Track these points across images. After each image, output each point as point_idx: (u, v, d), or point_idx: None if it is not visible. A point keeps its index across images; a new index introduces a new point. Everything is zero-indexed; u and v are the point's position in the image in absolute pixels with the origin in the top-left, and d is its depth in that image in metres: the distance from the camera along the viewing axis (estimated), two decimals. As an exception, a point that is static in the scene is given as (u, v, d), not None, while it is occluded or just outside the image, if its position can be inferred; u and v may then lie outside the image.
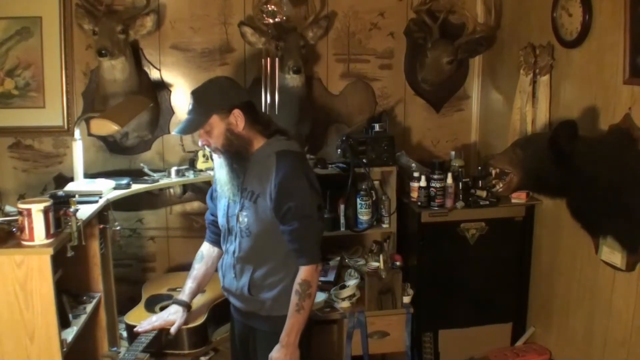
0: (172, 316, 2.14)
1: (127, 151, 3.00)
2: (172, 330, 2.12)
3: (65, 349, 1.78)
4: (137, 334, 2.13)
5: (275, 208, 1.84)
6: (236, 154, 1.88)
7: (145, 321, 2.17)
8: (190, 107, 1.87)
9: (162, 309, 2.51)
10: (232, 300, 2.05)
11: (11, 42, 2.79)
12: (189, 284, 2.17)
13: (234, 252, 1.96)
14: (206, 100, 1.85)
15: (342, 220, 2.83)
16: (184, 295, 2.16)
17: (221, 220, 2.03)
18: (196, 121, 1.85)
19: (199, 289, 2.20)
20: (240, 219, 1.92)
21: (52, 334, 1.73)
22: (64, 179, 2.83)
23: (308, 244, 1.86)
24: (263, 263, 1.92)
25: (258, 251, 1.91)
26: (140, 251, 3.09)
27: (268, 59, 2.89)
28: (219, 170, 1.95)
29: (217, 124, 1.84)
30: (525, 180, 1.99)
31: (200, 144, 1.92)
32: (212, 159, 2.81)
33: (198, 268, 2.17)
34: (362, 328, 2.67)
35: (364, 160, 2.76)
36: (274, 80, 2.85)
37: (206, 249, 2.18)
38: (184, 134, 1.91)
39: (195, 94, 1.88)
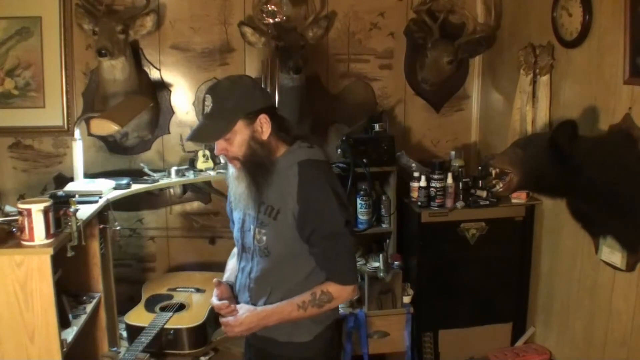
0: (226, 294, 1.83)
1: (127, 151, 3.00)
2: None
3: (65, 349, 1.79)
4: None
5: (299, 227, 1.63)
6: (259, 165, 1.64)
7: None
8: (209, 109, 1.60)
9: (162, 309, 2.52)
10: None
11: (11, 42, 2.79)
12: (231, 272, 1.90)
13: (249, 273, 1.76)
14: (230, 103, 1.60)
15: (342, 220, 2.83)
16: (228, 279, 1.90)
17: (236, 234, 1.83)
18: (219, 127, 1.60)
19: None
20: (258, 237, 1.70)
21: (52, 334, 1.73)
22: (64, 179, 2.83)
23: (340, 264, 1.67)
24: (282, 285, 1.70)
25: (277, 272, 1.70)
26: (140, 251, 3.09)
27: (268, 59, 2.89)
28: (233, 181, 1.72)
29: (241, 130, 1.60)
30: (525, 180, 1.98)
31: (216, 152, 1.67)
32: (212, 160, 2.84)
33: (232, 263, 1.94)
34: (362, 328, 2.67)
35: (364, 160, 2.76)
36: (274, 80, 2.86)
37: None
38: (204, 142, 1.65)
39: (216, 93, 1.61)
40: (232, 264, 1.94)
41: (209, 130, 1.63)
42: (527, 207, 2.73)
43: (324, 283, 1.68)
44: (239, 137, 1.61)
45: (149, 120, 2.92)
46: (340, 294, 1.68)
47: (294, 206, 1.62)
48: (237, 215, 1.81)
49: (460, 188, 2.74)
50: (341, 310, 2.67)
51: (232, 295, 1.83)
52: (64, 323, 1.88)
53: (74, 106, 2.90)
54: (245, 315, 1.70)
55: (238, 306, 1.73)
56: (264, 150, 1.64)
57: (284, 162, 1.66)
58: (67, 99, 2.87)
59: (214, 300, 1.78)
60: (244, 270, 1.79)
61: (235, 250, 1.93)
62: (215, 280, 1.85)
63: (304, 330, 1.73)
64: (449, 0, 3.09)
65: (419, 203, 2.73)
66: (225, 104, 1.60)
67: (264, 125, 1.63)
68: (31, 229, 1.68)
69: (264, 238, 1.68)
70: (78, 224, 1.81)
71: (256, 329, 1.71)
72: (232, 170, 1.71)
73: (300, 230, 1.64)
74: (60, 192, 2.20)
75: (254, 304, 1.74)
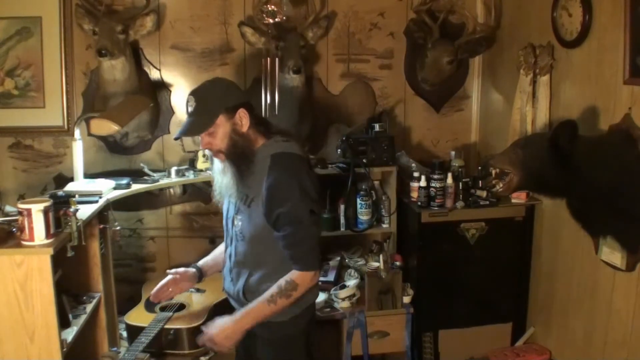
0: (180, 274, 2.09)
1: (127, 151, 3.00)
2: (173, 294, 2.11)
3: (65, 349, 1.78)
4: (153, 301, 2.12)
5: (266, 214, 1.78)
6: (241, 155, 1.80)
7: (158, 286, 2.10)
8: (192, 108, 1.78)
9: (162, 309, 2.52)
10: (233, 304, 2.01)
11: (11, 42, 2.79)
12: (208, 258, 2.16)
13: (230, 256, 1.94)
14: (211, 100, 1.78)
15: (342, 220, 2.84)
16: (200, 262, 2.15)
17: (223, 222, 2.00)
18: (202, 122, 1.77)
19: (214, 265, 2.15)
20: (235, 223, 1.88)
21: (52, 334, 1.73)
22: (64, 179, 2.83)
23: (301, 251, 1.78)
24: (258, 268, 1.86)
25: (253, 256, 1.87)
26: (140, 251, 3.09)
27: (268, 59, 2.89)
28: (218, 175, 1.88)
29: (222, 124, 1.77)
30: (525, 181, 1.98)
31: (201, 146, 1.84)
32: (211, 161, 2.84)
33: (219, 248, 2.16)
34: (362, 328, 2.67)
35: (364, 160, 2.76)
36: (274, 80, 2.85)
37: None
38: (188, 135, 1.83)
39: (197, 94, 1.80)
40: (218, 249, 2.16)
41: (194, 125, 1.78)
42: (527, 207, 2.73)
43: (289, 272, 1.80)
44: (221, 130, 1.77)
45: (149, 120, 2.92)
46: (303, 280, 1.79)
47: (263, 194, 1.77)
48: (224, 207, 1.97)
49: (460, 188, 2.74)
50: (341, 310, 2.67)
51: (187, 279, 2.09)
52: (64, 323, 1.88)
53: (74, 106, 2.90)
54: (220, 327, 1.82)
55: (209, 325, 1.86)
56: (244, 141, 1.80)
57: (259, 154, 1.81)
58: (67, 99, 2.87)
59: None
60: (227, 255, 1.97)
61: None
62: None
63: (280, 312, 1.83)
64: (449, 0, 3.09)
65: (419, 203, 2.73)
66: (207, 101, 1.77)
67: (243, 119, 1.79)
68: (31, 229, 1.68)
69: (240, 224, 1.86)
70: (78, 224, 1.81)
71: (237, 336, 1.82)
72: (217, 164, 1.87)
73: (268, 217, 1.78)
74: (60, 192, 2.19)
75: (235, 285, 1.91)
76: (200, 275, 2.12)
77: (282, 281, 1.79)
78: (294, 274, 1.79)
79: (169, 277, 2.09)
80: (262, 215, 1.79)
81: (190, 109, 1.79)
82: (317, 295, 2.00)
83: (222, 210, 2.03)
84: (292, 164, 1.81)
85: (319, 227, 1.89)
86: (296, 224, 1.76)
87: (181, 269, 2.11)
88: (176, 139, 1.86)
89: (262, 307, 1.79)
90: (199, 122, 1.77)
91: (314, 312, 2.01)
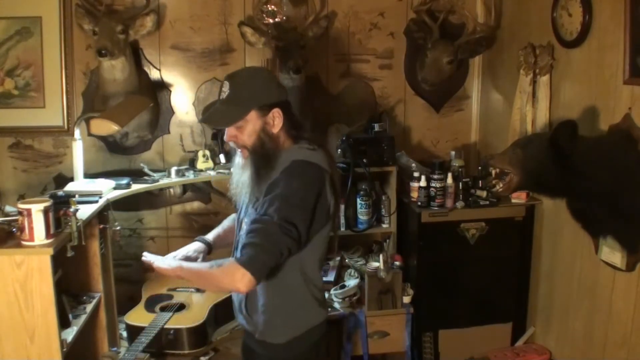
0: (193, 254, 1.92)
1: (127, 151, 3.00)
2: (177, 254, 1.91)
3: (65, 349, 1.78)
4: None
5: (259, 206, 1.63)
6: (265, 157, 1.65)
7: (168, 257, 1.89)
8: (225, 95, 1.64)
9: (162, 309, 2.52)
10: (237, 316, 1.86)
11: (11, 42, 2.79)
12: (217, 229, 2.02)
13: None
14: (247, 91, 1.63)
15: (342, 220, 2.83)
16: (209, 236, 1.99)
17: (236, 222, 1.87)
18: (233, 114, 1.63)
19: (225, 237, 1.99)
20: (242, 226, 1.74)
21: (52, 334, 1.73)
22: (64, 179, 2.83)
23: (254, 247, 1.56)
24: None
25: None
26: (140, 251, 3.03)
27: (268, 59, 2.89)
28: (238, 170, 1.74)
29: (253, 120, 1.64)
30: (525, 181, 1.99)
31: (225, 138, 1.70)
32: (212, 160, 2.84)
33: (229, 222, 2.03)
34: (362, 328, 2.67)
35: (364, 160, 2.76)
36: (274, 80, 2.85)
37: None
38: (216, 126, 1.65)
39: (234, 81, 1.64)
40: (228, 221, 2.04)
41: (222, 115, 1.65)
42: (527, 207, 2.73)
43: (225, 259, 1.64)
44: (250, 126, 1.64)
45: (149, 120, 2.92)
46: (231, 270, 1.55)
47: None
48: (239, 205, 1.83)
49: (460, 188, 2.74)
50: (341, 311, 2.67)
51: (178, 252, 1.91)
52: (64, 323, 1.88)
53: (74, 106, 2.90)
54: (167, 257, 1.77)
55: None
56: (271, 143, 1.67)
57: (282, 159, 1.68)
58: (67, 99, 2.87)
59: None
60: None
61: (234, 215, 1.97)
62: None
63: (275, 331, 1.72)
64: (449, 0, 3.09)
65: (419, 203, 2.73)
66: (242, 92, 1.63)
67: (275, 119, 1.66)
68: (31, 229, 1.68)
69: (245, 227, 1.69)
70: (78, 224, 1.81)
71: (171, 271, 1.73)
72: (237, 159, 1.74)
73: (259, 206, 1.63)
74: (60, 192, 2.19)
75: (237, 295, 1.79)
76: (209, 248, 1.97)
77: (221, 263, 1.61)
78: (232, 263, 1.58)
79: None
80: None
81: (222, 96, 1.65)
82: (321, 318, 1.79)
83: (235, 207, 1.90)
84: (307, 173, 1.65)
85: (291, 244, 1.59)
86: (271, 223, 1.56)
87: (185, 252, 1.92)
88: (201, 122, 1.73)
89: (200, 270, 1.69)
90: (228, 114, 1.64)
91: (319, 338, 1.79)
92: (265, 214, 1.58)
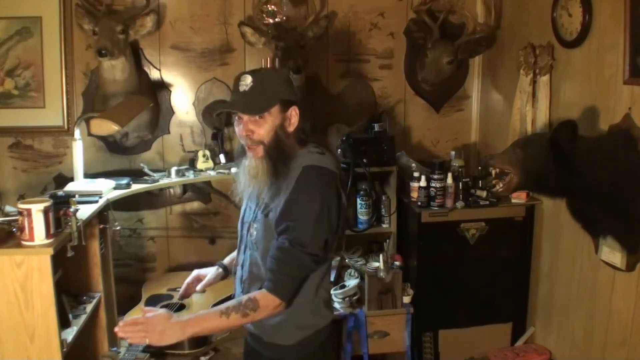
0: (204, 272, 1.95)
1: (127, 151, 3.00)
2: (199, 287, 1.90)
3: (65, 349, 1.79)
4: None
5: (276, 223, 1.61)
6: (282, 154, 1.62)
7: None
8: (247, 87, 1.59)
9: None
10: None
11: (11, 42, 2.79)
12: (233, 254, 1.94)
13: (242, 265, 1.77)
14: (270, 85, 1.61)
15: (342, 220, 2.83)
16: (226, 260, 1.97)
17: (238, 226, 1.82)
18: (260, 103, 1.59)
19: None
20: (251, 231, 1.71)
21: (52, 334, 1.74)
22: (64, 179, 2.83)
23: (284, 273, 1.58)
24: None
25: (264, 268, 1.67)
26: (140, 251, 3.09)
27: (268, 59, 2.89)
28: (243, 173, 1.69)
29: (275, 115, 1.61)
30: (525, 181, 1.99)
31: (240, 132, 1.64)
32: (212, 160, 2.84)
33: None
34: (362, 328, 2.67)
35: (364, 160, 2.76)
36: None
37: None
38: (245, 112, 1.58)
39: (257, 75, 1.62)
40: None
41: (250, 103, 1.60)
42: (527, 207, 2.73)
43: (258, 291, 1.62)
44: (270, 121, 1.61)
45: (149, 120, 2.92)
46: (267, 303, 1.58)
47: (282, 204, 1.60)
48: (242, 208, 1.81)
49: (460, 188, 2.74)
50: (341, 311, 2.67)
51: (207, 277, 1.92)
52: (64, 323, 1.88)
53: (74, 106, 2.90)
54: (161, 320, 1.58)
55: (151, 309, 1.65)
56: (287, 141, 1.64)
57: (295, 163, 1.64)
58: (67, 99, 2.87)
59: None
60: (239, 262, 1.80)
61: None
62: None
63: (285, 333, 1.71)
64: (449, 0, 3.09)
65: (419, 203, 2.73)
66: (267, 85, 1.61)
67: (293, 117, 1.64)
68: (31, 229, 1.68)
69: (255, 233, 1.69)
70: (78, 224, 1.81)
71: (174, 338, 1.59)
72: (243, 162, 1.68)
73: (277, 226, 1.61)
74: (60, 192, 2.20)
75: None
76: (226, 272, 1.96)
77: (245, 296, 1.61)
78: (260, 293, 1.60)
79: (194, 272, 1.96)
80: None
81: (244, 88, 1.60)
82: (328, 319, 1.78)
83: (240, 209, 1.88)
84: (323, 180, 1.62)
85: (318, 263, 1.63)
86: (297, 245, 1.57)
87: (197, 273, 1.96)
88: (229, 108, 1.67)
89: (212, 317, 1.59)
90: (256, 103, 1.59)
91: (325, 338, 1.78)
92: (297, 242, 1.57)
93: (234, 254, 1.92)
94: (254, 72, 1.64)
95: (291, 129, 1.65)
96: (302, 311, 1.70)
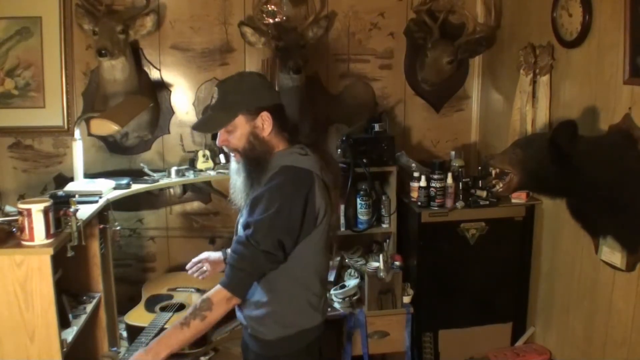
0: (213, 255, 2.08)
1: (127, 151, 3.00)
2: (205, 267, 2.07)
3: (65, 349, 1.78)
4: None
5: (245, 219, 1.67)
6: (256, 160, 1.68)
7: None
8: (214, 101, 1.68)
9: (162, 309, 2.52)
10: (238, 314, 1.89)
11: (11, 42, 2.79)
12: None
13: None
14: (233, 97, 1.67)
15: (342, 220, 2.83)
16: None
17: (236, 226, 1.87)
18: (219, 119, 1.67)
19: None
20: (238, 229, 1.77)
21: (52, 334, 1.73)
22: (64, 179, 2.83)
23: (238, 270, 1.62)
24: (257, 284, 1.72)
25: None
26: (140, 251, 3.09)
27: (268, 59, 2.89)
28: (234, 175, 1.78)
29: (241, 125, 1.66)
30: (525, 180, 1.98)
31: (218, 142, 1.72)
32: (212, 160, 2.85)
33: None
34: (362, 328, 2.67)
35: (364, 160, 2.76)
36: (274, 80, 2.86)
37: None
38: (204, 132, 1.71)
39: (222, 87, 1.69)
40: None
41: (210, 121, 1.71)
42: (527, 207, 2.73)
43: (212, 289, 1.66)
44: (239, 130, 1.67)
45: (149, 120, 2.92)
46: (219, 298, 1.63)
47: (249, 201, 1.68)
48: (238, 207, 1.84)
49: (460, 188, 2.74)
50: (341, 311, 2.67)
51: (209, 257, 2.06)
52: (64, 323, 1.88)
53: (74, 106, 2.90)
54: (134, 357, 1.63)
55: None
56: (262, 147, 1.69)
57: (273, 163, 1.69)
58: (67, 99, 2.87)
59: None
60: None
61: None
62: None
63: (265, 327, 1.74)
64: (449, 0, 3.09)
65: (419, 203, 2.73)
66: (229, 97, 1.67)
67: (265, 122, 1.68)
68: (31, 229, 1.68)
69: (240, 230, 1.73)
70: (78, 224, 1.81)
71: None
72: (233, 164, 1.78)
73: (244, 221, 1.67)
74: (60, 192, 2.19)
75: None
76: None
77: (198, 300, 1.66)
78: (214, 290, 1.65)
79: (203, 254, 2.09)
80: None
81: (212, 102, 1.70)
82: (315, 322, 1.78)
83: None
84: (292, 180, 1.64)
85: (272, 262, 1.64)
86: (250, 245, 1.60)
87: (213, 253, 2.10)
88: (193, 129, 1.80)
89: (175, 332, 1.63)
90: (216, 119, 1.68)
91: (312, 341, 1.79)
92: (252, 239, 1.60)
93: None
94: (221, 85, 1.72)
95: (265, 133, 1.69)
96: (283, 308, 1.73)
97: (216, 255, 2.09)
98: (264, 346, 1.76)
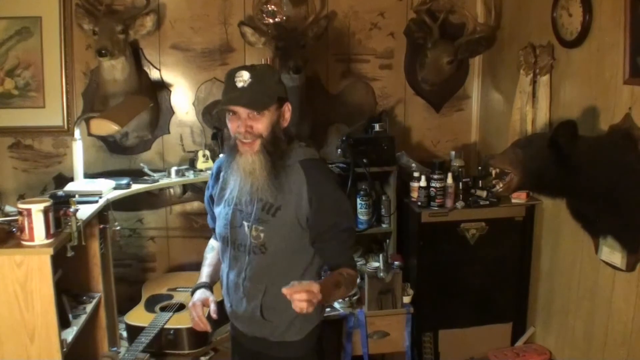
0: (204, 295, 1.79)
1: (127, 151, 3.00)
2: (212, 309, 1.76)
3: (65, 349, 1.79)
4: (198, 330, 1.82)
5: (312, 226, 1.65)
6: (278, 150, 1.64)
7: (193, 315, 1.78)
8: (246, 84, 1.57)
9: (162, 309, 2.52)
10: (238, 324, 1.81)
11: (11, 42, 2.79)
12: (206, 269, 1.88)
13: (242, 270, 1.70)
14: (268, 82, 1.62)
15: (342, 220, 2.83)
16: (203, 278, 1.85)
17: (221, 230, 1.75)
18: (263, 99, 1.59)
19: (216, 274, 1.87)
20: (255, 234, 1.66)
21: (52, 334, 1.74)
22: (64, 179, 2.83)
23: (350, 255, 1.79)
24: (277, 282, 1.58)
25: (273, 269, 1.67)
26: (140, 251, 3.09)
27: (268, 59, 2.89)
28: (235, 173, 1.68)
29: (272, 111, 1.62)
30: (525, 180, 1.98)
31: (239, 128, 1.61)
32: (212, 160, 2.84)
33: (211, 256, 1.91)
34: (362, 328, 2.67)
35: (364, 160, 2.76)
36: (274, 80, 2.85)
37: (216, 243, 1.90)
38: (252, 109, 1.56)
39: (255, 71, 1.60)
40: (211, 258, 1.90)
41: (252, 99, 1.58)
42: (527, 207, 2.73)
43: (341, 269, 1.69)
44: (267, 117, 1.61)
45: (149, 120, 2.92)
46: (355, 279, 1.76)
47: (304, 205, 1.63)
48: (222, 211, 1.75)
49: (460, 188, 2.74)
50: (341, 310, 2.67)
51: (211, 299, 1.77)
52: (64, 323, 1.88)
53: (74, 106, 2.90)
54: (315, 285, 1.50)
55: (295, 284, 1.50)
56: (283, 137, 1.67)
57: (289, 159, 1.67)
58: (67, 99, 2.87)
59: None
60: (232, 268, 1.74)
61: (213, 243, 1.94)
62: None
63: (296, 329, 1.73)
64: (449, 0, 3.09)
65: (419, 203, 2.73)
66: (265, 81, 1.61)
67: (287, 113, 1.67)
68: (31, 229, 1.68)
69: (262, 235, 1.65)
70: (78, 224, 1.81)
71: (323, 300, 1.54)
72: (234, 164, 1.67)
73: (317, 226, 1.65)
74: (60, 192, 2.20)
75: (248, 302, 1.71)
76: (211, 288, 1.84)
77: (343, 271, 1.68)
78: (348, 271, 1.70)
79: (196, 303, 1.77)
80: (295, 226, 1.64)
81: (242, 84, 1.58)
82: (322, 315, 1.83)
83: (206, 208, 1.89)
84: (326, 169, 1.79)
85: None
86: (349, 230, 1.72)
87: (197, 299, 1.78)
88: (229, 104, 1.62)
89: (336, 284, 1.65)
90: (259, 99, 1.59)
91: (320, 332, 1.82)
92: (349, 228, 1.73)
93: (207, 269, 1.87)
94: (250, 69, 1.62)
95: (285, 124, 1.68)
96: None
97: (205, 295, 1.79)
98: (291, 348, 1.75)
